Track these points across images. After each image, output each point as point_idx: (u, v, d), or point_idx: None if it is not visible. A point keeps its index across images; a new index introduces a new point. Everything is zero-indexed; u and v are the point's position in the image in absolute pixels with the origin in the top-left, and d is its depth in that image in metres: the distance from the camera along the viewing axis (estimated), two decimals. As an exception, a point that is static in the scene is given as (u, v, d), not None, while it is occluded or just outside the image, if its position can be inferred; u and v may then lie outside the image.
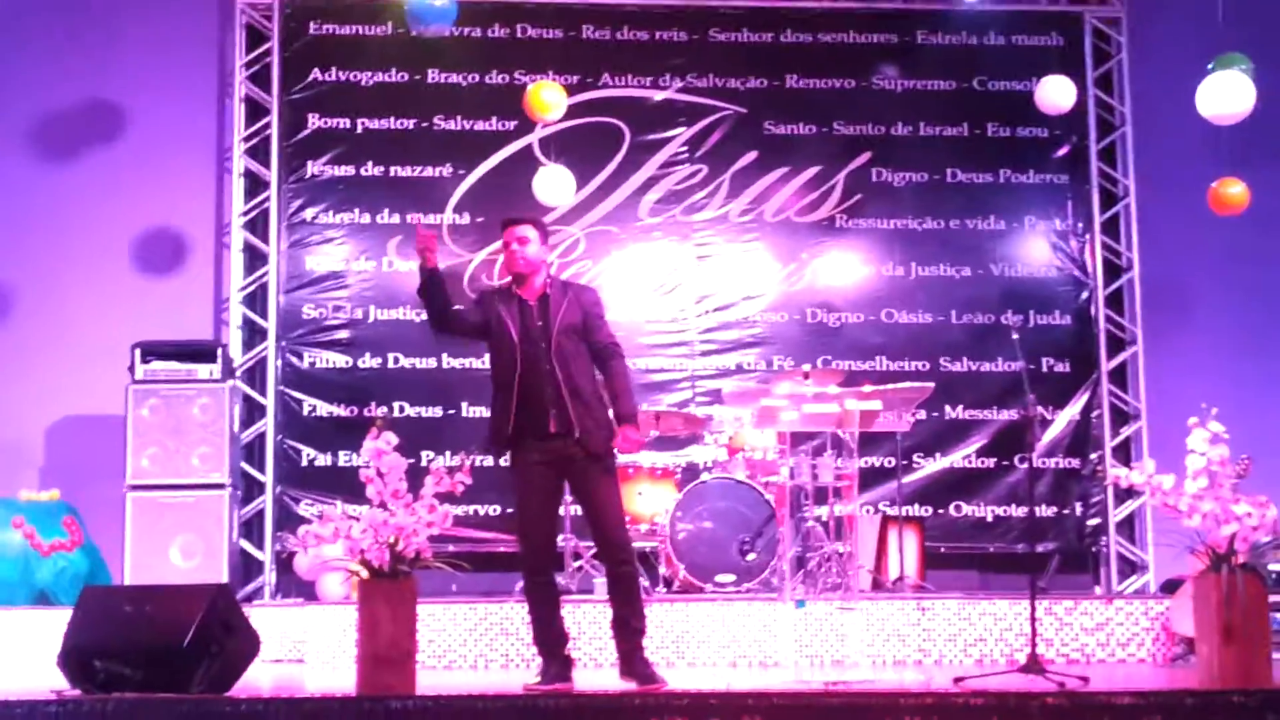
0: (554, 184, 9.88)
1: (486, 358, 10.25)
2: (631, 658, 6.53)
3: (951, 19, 11.05)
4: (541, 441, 6.52)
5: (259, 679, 7.16)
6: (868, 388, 7.69)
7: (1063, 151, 11.05)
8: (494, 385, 6.69)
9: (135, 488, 9.45)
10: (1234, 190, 9.20)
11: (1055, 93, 10.02)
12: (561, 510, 7.23)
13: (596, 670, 7.66)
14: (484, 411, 10.23)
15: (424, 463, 6.82)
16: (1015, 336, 7.41)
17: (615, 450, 6.64)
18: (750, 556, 8.76)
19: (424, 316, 10.33)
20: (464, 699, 5.80)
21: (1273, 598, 7.76)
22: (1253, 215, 9.61)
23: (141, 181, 10.51)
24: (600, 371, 6.69)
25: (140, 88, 10.62)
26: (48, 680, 6.30)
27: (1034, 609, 6.95)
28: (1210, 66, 9.09)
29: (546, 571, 6.66)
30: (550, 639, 6.63)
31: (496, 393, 6.66)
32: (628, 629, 6.55)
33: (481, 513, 10.20)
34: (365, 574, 6.12)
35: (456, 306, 6.82)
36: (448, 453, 9.87)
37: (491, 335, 6.68)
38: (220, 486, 9.53)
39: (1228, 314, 10.81)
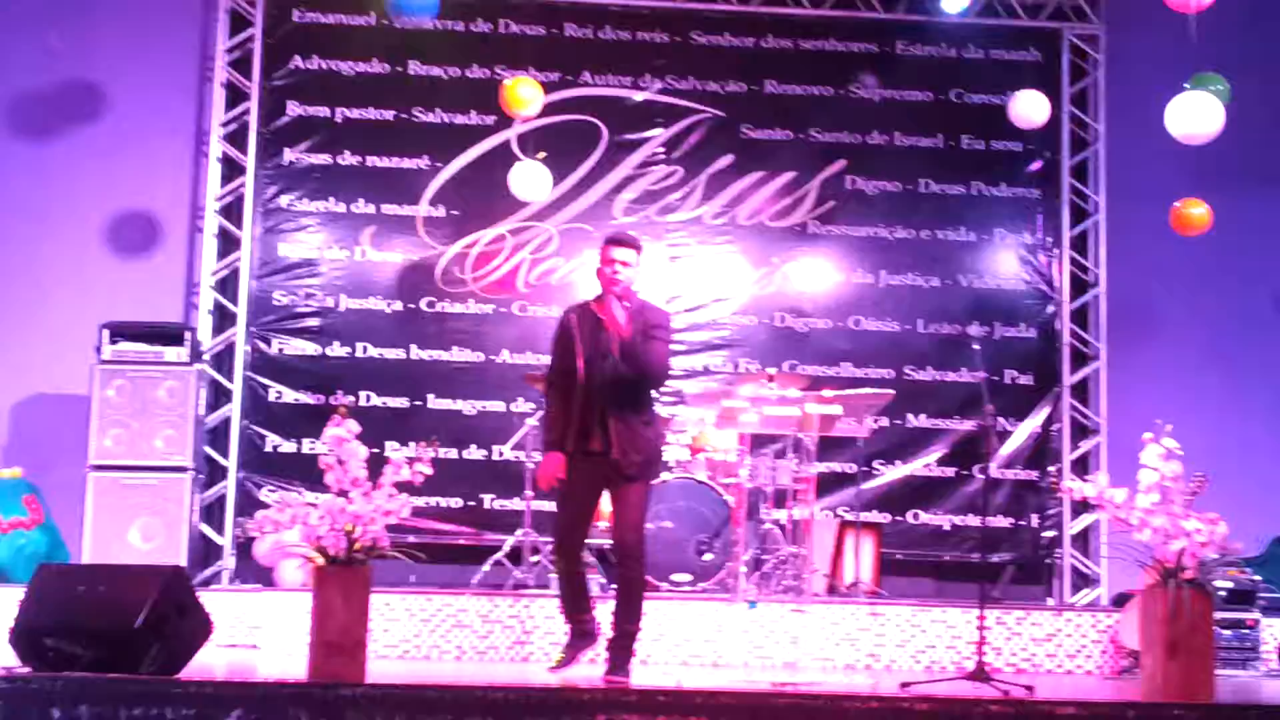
0: (530, 180, 9.94)
1: (468, 351, 10.43)
2: (613, 653, 6.85)
3: (931, 30, 11.08)
4: (586, 458, 6.81)
5: (213, 663, 7.19)
6: (828, 392, 7.75)
7: (1035, 166, 11.12)
8: (556, 394, 6.95)
9: (97, 468, 9.46)
10: (1196, 211, 9.26)
11: (1028, 107, 10.09)
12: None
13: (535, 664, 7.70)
14: (449, 403, 10.49)
15: (388, 453, 6.88)
16: (976, 347, 7.51)
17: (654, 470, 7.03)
18: (707, 557, 8.82)
19: (394, 307, 10.56)
20: (412, 689, 5.83)
21: (1219, 614, 7.94)
22: (1219, 236, 9.69)
23: (118, 163, 10.51)
24: None
25: (120, 70, 10.61)
26: (0, 657, 6.32)
27: (982, 617, 7.01)
28: (1186, 86, 9.14)
29: (573, 558, 6.94)
30: (574, 609, 6.97)
31: (556, 402, 6.94)
32: (618, 629, 6.85)
33: (443, 505, 10.26)
34: (321, 561, 6.16)
35: (556, 391, 7.00)
36: (412, 444, 9.81)
37: (565, 351, 6.91)
38: (183, 470, 9.55)
39: (1191, 333, 10.88)
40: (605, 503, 7.00)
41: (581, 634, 7.00)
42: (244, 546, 10.11)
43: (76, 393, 9.70)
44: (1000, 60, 11.23)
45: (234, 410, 10.44)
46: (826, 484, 10.24)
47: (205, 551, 10.17)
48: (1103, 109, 11.20)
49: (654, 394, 7.05)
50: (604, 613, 7.04)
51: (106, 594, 6.16)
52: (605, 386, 6.77)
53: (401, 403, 10.50)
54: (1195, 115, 8.51)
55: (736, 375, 10.30)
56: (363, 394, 10.41)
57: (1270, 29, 10.96)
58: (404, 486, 6.30)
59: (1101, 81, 11.23)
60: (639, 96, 11.03)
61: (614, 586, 7.02)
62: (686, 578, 8.77)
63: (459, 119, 10.86)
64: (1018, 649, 8.27)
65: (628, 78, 11.05)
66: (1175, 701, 6.16)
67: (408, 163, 10.80)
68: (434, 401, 10.53)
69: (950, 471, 10.75)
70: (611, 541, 7.04)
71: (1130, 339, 10.93)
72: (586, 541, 7.32)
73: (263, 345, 10.52)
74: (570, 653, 7.00)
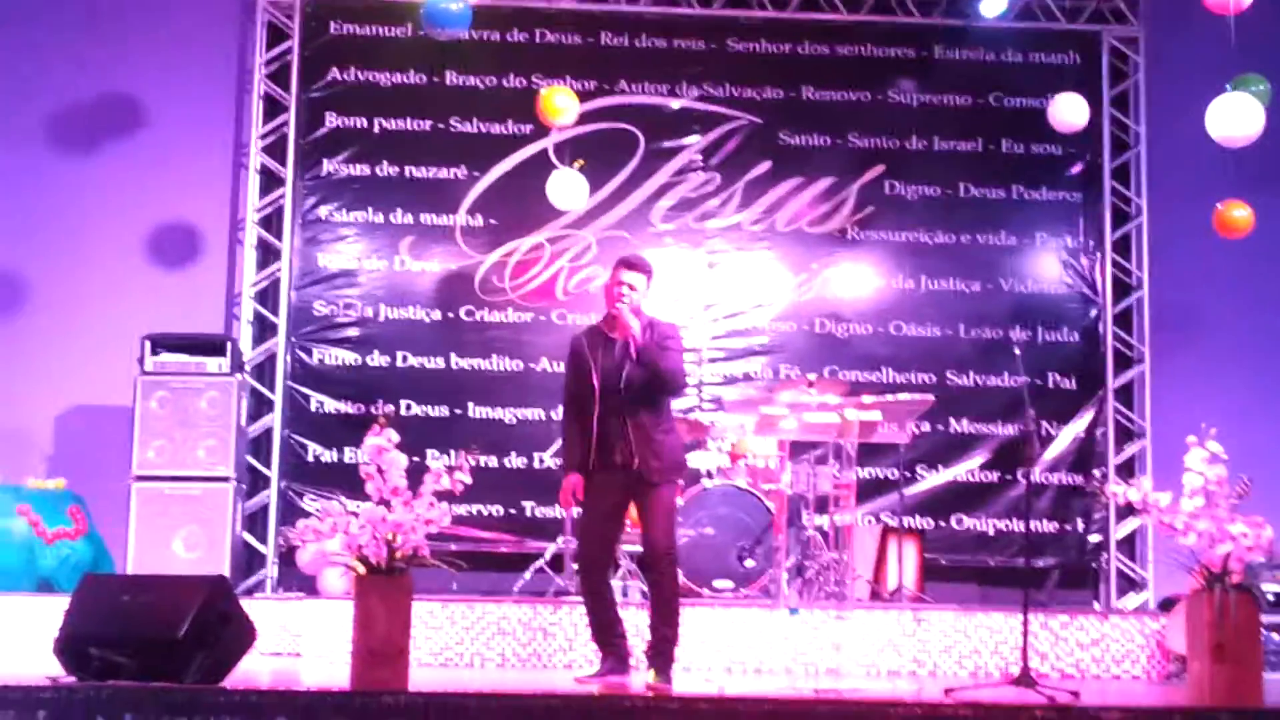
0: (567, 188, 9.95)
1: (508, 360, 10.42)
2: (654, 659, 6.83)
3: (969, 34, 11.06)
4: (609, 471, 6.90)
5: (256, 671, 7.20)
6: (868, 398, 7.69)
7: (1076, 169, 11.06)
8: (573, 414, 7.07)
9: (141, 478, 9.51)
10: (1239, 213, 9.17)
11: (1068, 110, 10.04)
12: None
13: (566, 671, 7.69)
14: (489, 411, 10.49)
15: (429, 462, 6.89)
16: (1017, 352, 7.43)
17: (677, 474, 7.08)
18: (749, 563, 8.80)
19: (433, 316, 10.57)
20: (455, 696, 5.84)
21: (1266, 618, 7.86)
22: (1263, 239, 9.60)
23: (158, 175, 10.56)
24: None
25: (160, 82, 10.67)
26: (45, 667, 6.35)
27: (1026, 622, 6.97)
28: (1227, 87, 9.06)
29: (598, 573, 7.01)
30: (603, 633, 7.00)
31: (574, 422, 7.05)
32: (655, 634, 6.88)
33: (484, 513, 10.27)
34: (362, 569, 6.17)
35: (571, 413, 7.12)
36: (453, 452, 9.86)
37: (579, 373, 7.02)
38: (225, 479, 9.59)
39: (1235, 336, 10.78)
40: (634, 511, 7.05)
41: (614, 657, 6.98)
42: (286, 555, 10.15)
43: (119, 404, 9.75)
44: (1039, 63, 11.19)
45: (275, 420, 10.48)
46: (868, 489, 10.19)
47: (248, 560, 10.21)
48: (1143, 111, 11.13)
49: (671, 404, 7.14)
50: (642, 620, 7.06)
51: (151, 603, 6.18)
52: (622, 400, 6.87)
53: (442, 411, 10.52)
54: (1236, 117, 8.44)
55: (776, 381, 10.26)
56: (403, 403, 10.43)
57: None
58: (444, 495, 6.30)
59: (1142, 83, 11.17)
60: (675, 104, 11.03)
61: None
62: (728, 584, 8.76)
63: (496, 128, 10.87)
64: (1063, 654, 8.19)
65: (664, 85, 11.05)
66: (1223, 706, 6.11)
67: (445, 172, 10.83)
68: (474, 410, 10.54)
69: (993, 476, 10.68)
70: (641, 549, 7.12)
71: (1174, 342, 10.84)
72: (626, 550, 7.26)
73: (303, 355, 10.56)
74: (602, 671, 6.97)
